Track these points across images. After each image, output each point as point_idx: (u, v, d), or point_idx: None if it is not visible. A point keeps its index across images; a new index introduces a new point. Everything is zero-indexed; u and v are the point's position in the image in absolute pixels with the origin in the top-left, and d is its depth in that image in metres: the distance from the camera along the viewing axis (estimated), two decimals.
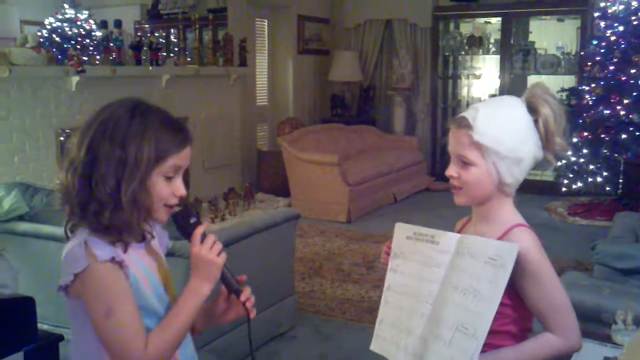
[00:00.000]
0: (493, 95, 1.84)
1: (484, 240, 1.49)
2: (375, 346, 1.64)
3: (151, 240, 1.50)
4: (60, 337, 2.83)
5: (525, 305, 1.53)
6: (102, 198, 1.32)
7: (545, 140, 1.53)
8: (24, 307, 2.39)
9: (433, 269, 1.53)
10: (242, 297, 1.48)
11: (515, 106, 1.55)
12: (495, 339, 1.52)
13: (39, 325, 2.58)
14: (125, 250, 1.38)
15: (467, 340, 1.43)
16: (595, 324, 2.59)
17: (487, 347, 1.51)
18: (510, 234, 1.53)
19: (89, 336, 1.38)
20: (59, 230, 3.33)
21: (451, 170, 1.57)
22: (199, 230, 1.43)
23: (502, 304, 1.47)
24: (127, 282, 1.36)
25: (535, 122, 1.53)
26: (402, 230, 1.64)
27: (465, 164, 1.54)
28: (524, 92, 1.58)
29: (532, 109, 1.54)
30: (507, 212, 1.58)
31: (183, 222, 1.44)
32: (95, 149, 1.34)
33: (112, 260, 1.33)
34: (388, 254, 1.66)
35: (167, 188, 1.39)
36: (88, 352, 1.41)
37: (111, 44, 5.68)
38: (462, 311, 1.45)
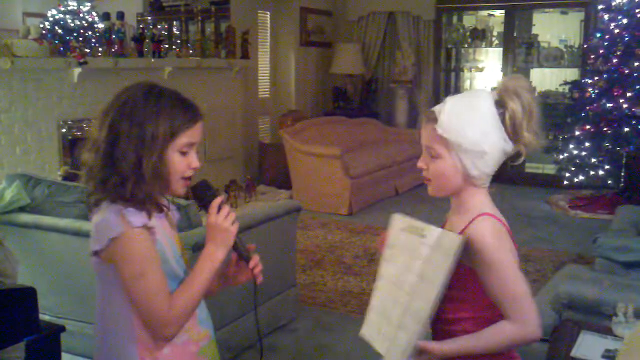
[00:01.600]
0: (494, 89, 1.84)
1: (447, 233, 1.52)
2: (363, 331, 1.68)
3: (168, 212, 1.62)
4: (62, 328, 2.85)
5: (485, 295, 1.54)
6: (125, 172, 1.46)
7: (513, 134, 1.53)
8: (25, 297, 2.39)
9: (416, 261, 1.55)
10: (251, 264, 1.63)
11: (480, 100, 1.56)
12: (454, 325, 1.56)
13: (40, 316, 2.58)
14: (149, 218, 1.50)
15: (413, 322, 1.50)
16: (596, 317, 2.59)
17: (447, 334, 1.56)
18: (473, 222, 1.54)
19: (116, 298, 1.51)
20: (60, 222, 3.34)
21: (421, 162, 1.62)
22: (216, 201, 1.56)
23: (458, 290, 1.52)
24: (156, 248, 1.50)
25: (502, 115, 1.53)
26: (397, 222, 1.67)
27: (432, 156, 1.57)
28: (498, 85, 1.58)
29: (501, 103, 1.54)
30: (477, 203, 1.58)
31: (201, 194, 1.58)
32: (115, 128, 1.47)
33: (144, 226, 1.47)
34: (384, 243, 1.69)
35: (183, 161, 1.52)
36: (113, 313, 1.54)
37: (113, 36, 5.67)
38: (415, 295, 1.52)
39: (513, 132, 1.53)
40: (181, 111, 1.51)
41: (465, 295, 1.55)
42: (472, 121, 1.53)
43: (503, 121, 1.53)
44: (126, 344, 1.52)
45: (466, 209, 1.59)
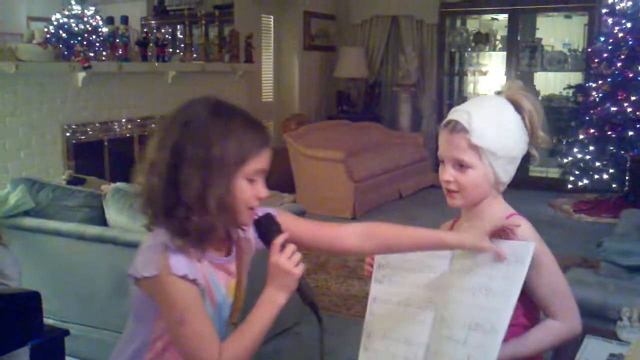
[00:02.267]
0: (498, 93, 1.84)
1: (495, 241, 1.48)
2: (364, 359, 1.61)
3: (241, 252, 1.49)
4: (66, 332, 2.85)
5: (530, 298, 1.54)
6: (189, 201, 1.30)
7: (531, 135, 1.56)
8: (30, 301, 2.39)
9: (428, 274, 1.52)
10: (317, 307, 1.46)
11: (505, 106, 1.57)
12: (507, 333, 1.52)
13: (44, 320, 2.58)
14: (200, 259, 1.37)
15: (484, 336, 1.41)
16: (600, 321, 2.58)
17: None
18: (509, 221, 1.54)
19: (148, 324, 1.41)
20: (64, 226, 3.35)
21: (447, 175, 1.59)
22: (279, 239, 1.39)
23: None
24: (199, 294, 1.35)
25: (523, 119, 1.55)
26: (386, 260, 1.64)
27: (462, 167, 1.55)
28: (503, 91, 1.60)
29: (517, 106, 1.56)
30: (499, 207, 1.61)
31: (265, 229, 1.42)
32: (178, 150, 1.31)
33: (185, 277, 1.32)
34: (371, 265, 1.66)
35: (250, 190, 1.36)
36: (135, 345, 1.44)
37: (117, 40, 5.68)
38: (475, 310, 1.43)
39: (531, 133, 1.56)
40: (252, 134, 1.36)
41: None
42: (505, 128, 1.54)
43: (525, 125, 1.56)
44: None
45: (489, 214, 1.58)
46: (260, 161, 1.36)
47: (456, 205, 1.61)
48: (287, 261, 1.37)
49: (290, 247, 1.39)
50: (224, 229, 1.40)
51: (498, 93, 1.62)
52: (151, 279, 1.32)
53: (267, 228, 1.42)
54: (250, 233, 1.48)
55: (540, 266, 1.49)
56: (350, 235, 1.52)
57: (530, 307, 1.55)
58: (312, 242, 1.51)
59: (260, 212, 1.42)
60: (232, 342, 1.37)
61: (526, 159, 1.61)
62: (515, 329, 1.53)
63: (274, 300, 1.39)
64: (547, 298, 1.52)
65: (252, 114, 1.41)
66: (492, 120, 1.53)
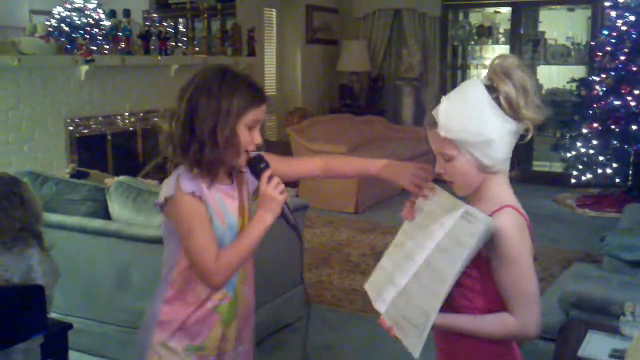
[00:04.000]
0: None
1: (476, 212, 1.51)
2: (367, 286, 1.75)
3: (241, 184, 1.83)
4: (70, 326, 2.85)
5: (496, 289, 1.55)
6: (202, 138, 1.66)
7: (513, 114, 1.53)
8: (33, 295, 2.40)
9: (436, 232, 1.58)
10: (299, 229, 1.80)
11: (471, 90, 1.56)
12: (460, 311, 1.57)
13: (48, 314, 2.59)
14: (209, 186, 1.72)
15: (434, 286, 1.51)
16: (603, 316, 2.58)
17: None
18: (497, 213, 1.54)
19: (174, 244, 1.77)
20: (68, 219, 3.35)
21: (438, 168, 1.63)
22: (266, 173, 1.73)
23: (470, 277, 1.53)
24: (205, 211, 1.70)
25: (496, 99, 1.53)
26: (434, 192, 1.69)
27: (446, 159, 1.59)
28: (487, 71, 1.58)
29: (491, 88, 1.54)
30: (499, 191, 1.60)
31: (255, 166, 1.75)
32: (194, 102, 1.68)
33: (192, 194, 1.68)
34: (409, 211, 1.73)
35: (248, 136, 1.72)
36: (166, 258, 1.82)
37: (120, 34, 5.67)
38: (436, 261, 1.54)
39: (512, 112, 1.53)
40: (252, 92, 1.71)
41: (476, 283, 1.56)
42: (469, 114, 1.53)
43: (499, 104, 1.53)
44: (165, 282, 1.80)
45: (488, 198, 1.59)
46: (257, 113, 1.72)
47: (460, 194, 1.64)
48: (273, 190, 1.71)
49: (275, 179, 1.73)
50: (229, 163, 1.74)
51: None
52: (170, 199, 1.69)
53: (257, 165, 1.75)
54: (246, 174, 1.84)
55: (507, 260, 1.50)
56: (313, 167, 2.01)
57: (490, 293, 1.56)
58: (287, 173, 1.90)
59: (253, 154, 1.76)
60: (228, 250, 1.72)
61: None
62: (471, 312, 1.57)
63: (263, 220, 1.72)
64: (506, 292, 1.52)
65: (252, 78, 1.76)
66: (456, 109, 1.54)
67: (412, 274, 1.58)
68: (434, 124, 1.56)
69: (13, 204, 2.45)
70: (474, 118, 1.52)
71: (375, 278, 1.73)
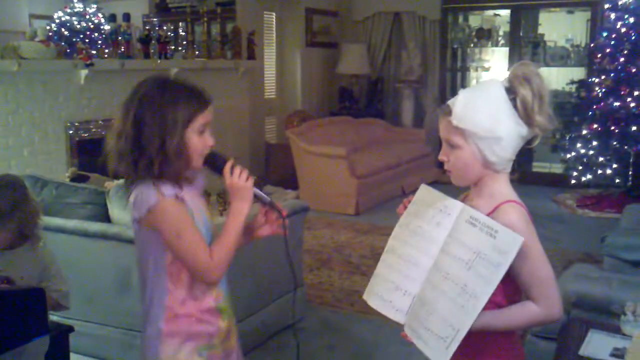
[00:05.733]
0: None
1: (490, 221, 1.54)
2: (372, 301, 1.71)
3: (196, 184, 1.84)
4: (71, 328, 2.85)
5: (513, 280, 1.58)
6: (151, 153, 1.67)
7: (526, 118, 1.58)
8: (34, 298, 2.40)
9: (434, 227, 1.63)
10: (278, 205, 1.86)
11: (491, 88, 1.62)
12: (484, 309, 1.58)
13: (49, 317, 2.59)
14: (181, 190, 1.73)
15: (468, 300, 1.51)
16: (604, 316, 2.58)
17: None
18: (500, 209, 1.59)
19: (150, 257, 1.77)
20: (68, 223, 3.35)
21: (442, 155, 1.68)
22: (227, 166, 1.77)
23: None
24: (188, 212, 1.73)
25: (513, 101, 1.58)
26: (423, 192, 1.74)
27: (452, 147, 1.63)
28: (508, 73, 1.63)
29: (511, 90, 1.59)
30: (499, 188, 1.64)
31: (213, 163, 1.78)
32: (139, 118, 1.68)
33: (176, 196, 1.70)
34: (406, 207, 1.76)
35: (200, 141, 1.74)
36: (148, 272, 1.79)
37: (119, 38, 5.68)
38: (465, 276, 1.53)
39: (526, 116, 1.58)
40: (195, 97, 1.73)
41: None
42: (484, 109, 1.58)
43: (515, 107, 1.58)
44: (160, 294, 1.78)
45: (489, 194, 1.64)
46: (205, 117, 1.75)
47: (456, 183, 1.69)
48: (238, 180, 1.75)
49: (238, 169, 1.77)
50: (184, 171, 1.74)
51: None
52: (154, 207, 1.69)
53: (214, 161, 1.78)
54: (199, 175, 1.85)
55: (526, 256, 1.53)
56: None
57: (511, 290, 1.59)
58: None
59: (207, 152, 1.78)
60: (217, 246, 1.75)
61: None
62: (491, 307, 1.58)
63: (240, 211, 1.76)
64: (526, 282, 1.57)
65: (192, 82, 1.78)
66: (473, 102, 1.59)
67: (424, 281, 1.60)
68: (448, 112, 1.61)
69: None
70: (489, 113, 1.57)
71: (376, 288, 1.71)
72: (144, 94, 1.71)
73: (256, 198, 1.80)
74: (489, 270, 1.49)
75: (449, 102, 1.64)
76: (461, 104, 1.59)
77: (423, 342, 1.56)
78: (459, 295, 1.51)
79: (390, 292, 1.65)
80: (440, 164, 1.70)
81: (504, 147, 1.58)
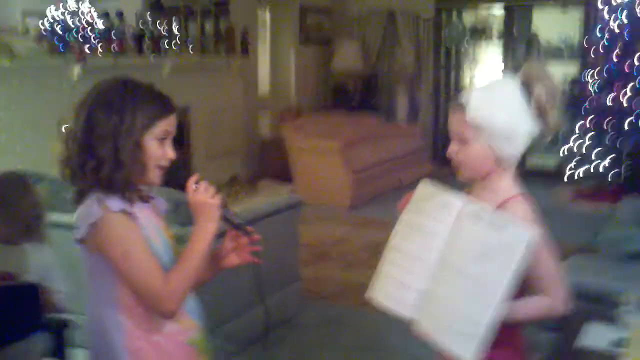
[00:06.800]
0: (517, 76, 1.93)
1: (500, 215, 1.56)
2: (381, 298, 1.69)
3: (152, 202, 1.64)
4: (66, 323, 2.84)
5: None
6: (101, 156, 1.48)
7: (540, 116, 1.61)
8: (29, 294, 2.38)
9: (436, 223, 1.62)
10: (249, 228, 1.63)
11: (507, 85, 1.64)
12: None
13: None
14: (131, 206, 1.51)
15: (484, 294, 1.51)
16: (600, 306, 2.59)
17: None
18: (506, 205, 1.62)
19: (103, 287, 1.55)
20: (62, 218, 3.32)
21: (451, 150, 1.68)
22: (191, 180, 1.55)
23: None
24: (140, 231, 1.51)
25: (528, 99, 1.61)
26: (424, 188, 1.73)
27: (463, 142, 1.63)
28: (520, 71, 1.65)
29: (526, 87, 1.62)
30: (506, 183, 1.66)
31: (176, 177, 1.59)
32: (92, 118, 1.50)
33: (123, 211, 1.49)
34: (406, 203, 1.76)
35: (159, 150, 1.54)
36: (100, 302, 1.57)
37: (113, 34, 5.65)
38: (475, 274, 1.53)
39: (539, 114, 1.61)
40: (158, 101, 1.55)
41: None
42: (500, 105, 1.59)
43: (529, 105, 1.60)
44: (113, 333, 1.54)
45: (495, 189, 1.66)
46: (167, 123, 1.55)
47: (463, 178, 1.70)
48: (204, 195, 1.53)
49: (203, 184, 1.55)
50: (137, 181, 1.54)
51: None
52: (96, 224, 1.47)
53: (177, 175, 1.59)
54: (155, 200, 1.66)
55: (534, 250, 1.54)
56: None
57: (520, 286, 1.58)
58: None
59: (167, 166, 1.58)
60: (176, 272, 1.51)
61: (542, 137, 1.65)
62: None
63: (205, 230, 1.54)
64: (534, 276, 1.58)
65: (157, 87, 1.60)
66: (489, 98, 1.60)
67: (431, 277, 1.59)
68: (460, 107, 1.61)
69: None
70: (506, 110, 1.59)
71: (380, 285, 1.70)
72: (101, 92, 1.54)
73: (224, 219, 1.58)
74: (502, 264, 1.49)
75: (462, 97, 1.64)
76: (477, 100, 1.60)
77: (443, 338, 1.55)
78: (474, 290, 1.51)
79: (396, 288, 1.65)
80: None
81: (516, 144, 1.61)
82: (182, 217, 2.94)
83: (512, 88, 1.62)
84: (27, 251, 2.43)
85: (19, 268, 2.38)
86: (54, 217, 3.34)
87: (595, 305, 2.61)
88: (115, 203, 1.48)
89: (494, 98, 1.61)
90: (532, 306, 1.61)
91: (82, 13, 5.59)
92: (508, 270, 1.48)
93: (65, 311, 2.55)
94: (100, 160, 1.47)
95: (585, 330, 2.29)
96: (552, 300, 1.60)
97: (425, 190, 1.72)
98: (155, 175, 1.55)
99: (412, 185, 1.79)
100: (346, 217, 6.23)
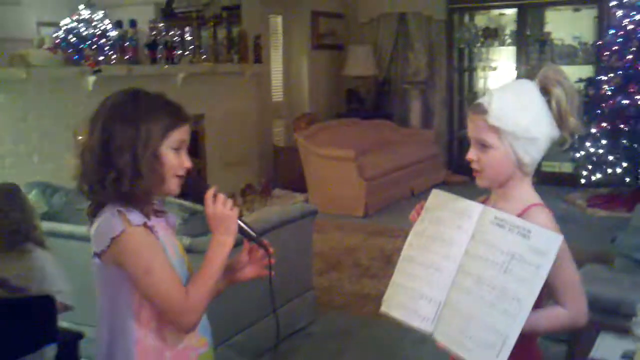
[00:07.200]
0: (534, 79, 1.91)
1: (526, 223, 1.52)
2: (394, 311, 1.64)
3: (168, 219, 1.66)
4: (80, 335, 2.86)
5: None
6: (121, 167, 1.48)
7: (559, 120, 1.58)
8: (43, 305, 2.41)
9: (454, 232, 1.58)
10: (265, 242, 1.64)
11: (528, 89, 1.60)
12: None
13: (59, 323, 2.60)
14: (148, 219, 1.53)
15: (509, 305, 1.46)
16: (615, 317, 2.56)
17: None
18: (529, 212, 1.58)
19: (118, 302, 1.55)
20: (78, 229, 3.36)
21: (471, 154, 1.63)
22: (210, 192, 1.55)
23: None
24: (160, 244, 1.52)
25: (548, 102, 1.58)
26: (436, 197, 1.70)
27: (484, 147, 1.59)
28: (538, 75, 1.62)
29: (545, 91, 1.59)
30: (525, 191, 1.64)
31: (194, 188, 1.60)
32: (108, 130, 1.50)
33: (144, 225, 1.50)
34: (419, 213, 1.72)
35: (176, 159, 1.54)
36: (114, 317, 1.57)
37: (126, 44, 5.70)
38: (503, 281, 1.48)
39: (559, 118, 1.58)
40: (172, 110, 1.56)
41: None
42: (523, 108, 1.56)
43: (550, 108, 1.58)
44: (126, 346, 1.55)
45: (514, 197, 1.62)
46: (182, 133, 1.56)
47: (482, 185, 1.65)
48: (222, 208, 1.54)
49: (221, 196, 1.55)
50: (156, 192, 1.56)
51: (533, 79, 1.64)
52: (117, 238, 1.47)
53: (195, 186, 1.60)
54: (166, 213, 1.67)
55: (558, 259, 1.51)
56: None
57: (540, 297, 1.55)
58: None
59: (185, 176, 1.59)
60: (195, 284, 1.53)
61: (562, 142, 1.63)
62: None
63: (223, 243, 1.54)
64: (555, 286, 1.56)
65: (168, 96, 1.61)
66: (511, 101, 1.57)
67: (451, 287, 1.54)
68: (481, 111, 1.58)
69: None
70: (527, 113, 1.56)
71: (397, 298, 1.64)
72: (114, 103, 1.55)
73: (241, 232, 1.59)
74: (529, 272, 1.45)
75: (481, 101, 1.60)
76: (498, 103, 1.56)
77: (467, 351, 1.48)
78: (499, 300, 1.46)
79: (414, 300, 1.58)
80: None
81: (538, 148, 1.58)
82: (191, 228, 2.97)
83: (532, 90, 1.59)
84: (14, 257, 2.51)
85: (9, 274, 2.46)
86: (70, 228, 3.38)
87: (609, 316, 2.59)
88: (136, 217, 1.49)
89: (516, 101, 1.57)
90: (554, 317, 1.58)
91: (96, 23, 5.65)
92: (538, 277, 1.44)
93: (73, 309, 2.59)
94: (119, 172, 1.48)
95: (599, 342, 2.27)
96: (574, 312, 1.57)
97: (438, 198, 1.68)
98: (174, 185, 1.56)
99: (426, 194, 1.76)
100: (360, 226, 6.22)
